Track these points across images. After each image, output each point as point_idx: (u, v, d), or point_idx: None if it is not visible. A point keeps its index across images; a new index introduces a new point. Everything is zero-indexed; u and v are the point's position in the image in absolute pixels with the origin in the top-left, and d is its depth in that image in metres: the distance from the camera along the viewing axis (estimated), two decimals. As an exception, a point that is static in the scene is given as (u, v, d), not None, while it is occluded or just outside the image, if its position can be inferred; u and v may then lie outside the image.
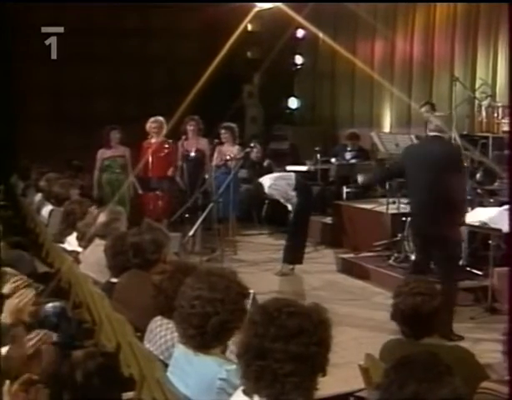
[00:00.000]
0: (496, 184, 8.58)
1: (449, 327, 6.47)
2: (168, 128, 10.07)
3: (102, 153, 10.32)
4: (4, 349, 3.25)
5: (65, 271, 5.49)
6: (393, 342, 3.76)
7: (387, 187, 9.64)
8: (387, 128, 13.07)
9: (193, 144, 10.19)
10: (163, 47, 14.52)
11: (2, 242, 5.24)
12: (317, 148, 12.35)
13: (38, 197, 8.77)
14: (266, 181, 9.19)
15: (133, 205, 10.17)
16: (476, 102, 10.46)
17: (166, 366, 3.22)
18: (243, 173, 11.11)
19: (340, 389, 4.34)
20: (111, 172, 10.31)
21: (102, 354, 4.05)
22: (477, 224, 7.38)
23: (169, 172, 10.16)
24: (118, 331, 3.99)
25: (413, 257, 8.44)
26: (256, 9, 13.26)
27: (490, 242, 7.46)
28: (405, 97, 12.32)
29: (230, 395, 2.69)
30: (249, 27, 14.70)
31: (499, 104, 9.92)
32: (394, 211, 9.25)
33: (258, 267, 9.56)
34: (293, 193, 9.04)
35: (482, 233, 7.76)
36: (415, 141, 8.91)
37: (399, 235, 8.87)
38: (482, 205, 8.08)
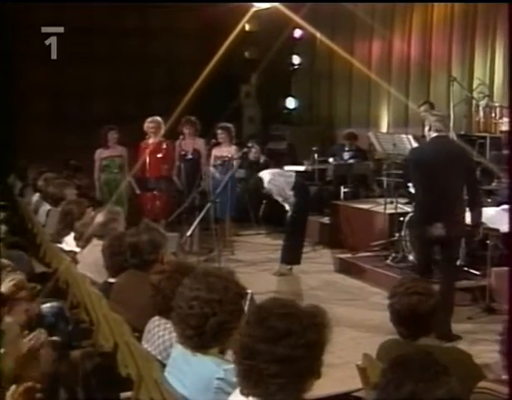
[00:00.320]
0: (494, 184, 8.59)
1: (447, 327, 6.48)
2: (166, 128, 10.07)
3: (100, 153, 10.32)
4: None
5: (63, 271, 5.48)
6: (390, 342, 3.75)
7: (384, 186, 9.65)
8: (384, 128, 13.08)
9: (190, 144, 10.18)
10: (162, 47, 14.54)
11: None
12: (314, 148, 12.35)
13: (36, 197, 8.77)
14: (266, 176, 9.19)
15: (130, 205, 10.17)
16: (474, 102, 10.46)
17: (164, 366, 3.23)
18: (240, 173, 11.13)
19: (337, 389, 4.34)
20: (109, 173, 10.32)
21: (100, 354, 4.05)
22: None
23: (164, 171, 10.14)
24: (116, 331, 3.99)
25: (411, 258, 8.47)
26: (254, 9, 13.28)
27: (488, 241, 7.46)
28: (403, 97, 12.34)
29: (229, 394, 2.69)
30: (247, 27, 14.71)
31: (497, 104, 9.93)
32: (392, 211, 9.25)
33: (256, 267, 9.56)
34: (291, 193, 9.05)
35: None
36: (413, 141, 8.91)
37: (397, 235, 8.87)
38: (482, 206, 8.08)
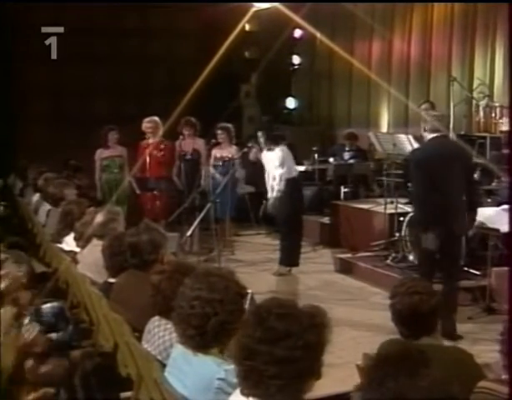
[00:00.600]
0: (494, 184, 8.58)
1: (453, 326, 6.50)
2: (167, 128, 10.07)
3: (101, 153, 10.33)
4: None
5: (63, 271, 5.48)
6: (390, 342, 3.75)
7: (384, 186, 9.65)
8: (384, 128, 13.07)
9: (190, 144, 10.19)
10: (162, 47, 14.54)
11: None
12: (314, 148, 12.35)
13: (36, 197, 8.77)
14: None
15: (130, 205, 10.17)
16: (474, 102, 10.46)
17: (164, 366, 3.22)
18: (241, 173, 11.12)
19: (338, 389, 4.34)
20: (109, 173, 10.33)
21: (100, 354, 4.05)
22: (475, 224, 7.39)
23: (164, 171, 10.14)
24: (116, 331, 3.99)
25: (411, 258, 8.47)
26: (254, 9, 13.26)
27: (488, 241, 7.46)
28: (403, 97, 12.33)
29: (229, 394, 2.69)
30: (247, 27, 14.71)
31: (497, 104, 9.93)
32: (392, 211, 9.25)
33: (256, 267, 9.56)
34: (279, 170, 8.97)
35: (480, 233, 7.76)
36: (413, 141, 8.90)
37: (397, 235, 8.87)
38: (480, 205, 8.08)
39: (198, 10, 13.51)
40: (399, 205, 9.15)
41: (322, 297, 7.88)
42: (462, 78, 11.08)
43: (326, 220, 11.04)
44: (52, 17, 12.06)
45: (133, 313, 4.02)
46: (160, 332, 3.57)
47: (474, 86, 10.83)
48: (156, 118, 10.05)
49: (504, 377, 2.99)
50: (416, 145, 8.56)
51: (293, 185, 9.07)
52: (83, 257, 5.51)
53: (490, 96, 10.30)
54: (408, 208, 8.80)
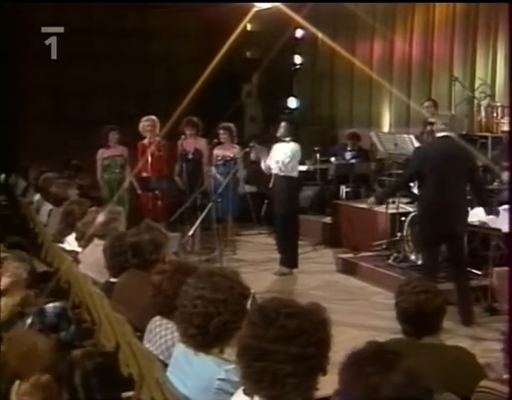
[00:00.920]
0: (495, 184, 8.58)
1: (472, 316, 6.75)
2: (167, 128, 10.05)
3: (102, 153, 10.32)
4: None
5: (64, 271, 5.48)
6: (392, 342, 3.75)
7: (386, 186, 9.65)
8: (386, 128, 13.08)
9: (191, 144, 10.17)
10: (162, 47, 14.53)
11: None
12: (316, 148, 12.37)
13: (37, 196, 8.77)
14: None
15: (131, 205, 10.16)
16: (475, 101, 10.47)
17: (166, 366, 3.22)
18: (242, 173, 11.11)
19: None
20: (111, 172, 10.31)
21: (102, 354, 4.04)
22: (476, 224, 7.40)
23: (164, 171, 10.14)
24: (118, 331, 3.99)
25: (412, 257, 8.47)
26: (255, 9, 13.26)
27: (490, 241, 7.46)
28: (404, 97, 12.33)
29: (231, 394, 2.68)
30: (248, 27, 14.70)
31: (499, 104, 9.94)
32: (394, 210, 9.25)
33: (257, 267, 9.55)
34: (287, 159, 8.96)
35: (481, 233, 7.76)
36: (414, 140, 8.91)
37: (399, 235, 8.87)
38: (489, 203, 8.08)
39: (198, 10, 13.51)
40: (401, 205, 9.14)
41: (323, 297, 7.86)
42: (464, 78, 11.09)
43: (327, 220, 11.04)
44: (52, 17, 12.05)
45: (135, 313, 4.02)
46: (162, 332, 3.57)
47: (476, 86, 10.84)
48: (153, 117, 10.01)
49: (506, 376, 2.99)
50: (417, 144, 8.57)
51: (291, 184, 9.08)
52: (85, 256, 5.51)
53: (492, 96, 10.31)
54: (409, 208, 8.80)
